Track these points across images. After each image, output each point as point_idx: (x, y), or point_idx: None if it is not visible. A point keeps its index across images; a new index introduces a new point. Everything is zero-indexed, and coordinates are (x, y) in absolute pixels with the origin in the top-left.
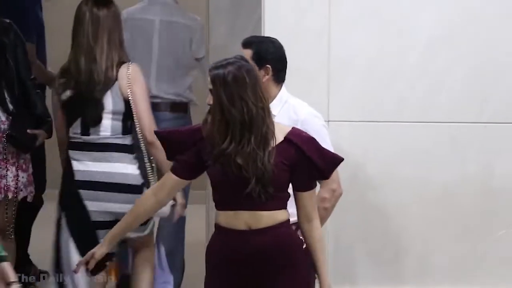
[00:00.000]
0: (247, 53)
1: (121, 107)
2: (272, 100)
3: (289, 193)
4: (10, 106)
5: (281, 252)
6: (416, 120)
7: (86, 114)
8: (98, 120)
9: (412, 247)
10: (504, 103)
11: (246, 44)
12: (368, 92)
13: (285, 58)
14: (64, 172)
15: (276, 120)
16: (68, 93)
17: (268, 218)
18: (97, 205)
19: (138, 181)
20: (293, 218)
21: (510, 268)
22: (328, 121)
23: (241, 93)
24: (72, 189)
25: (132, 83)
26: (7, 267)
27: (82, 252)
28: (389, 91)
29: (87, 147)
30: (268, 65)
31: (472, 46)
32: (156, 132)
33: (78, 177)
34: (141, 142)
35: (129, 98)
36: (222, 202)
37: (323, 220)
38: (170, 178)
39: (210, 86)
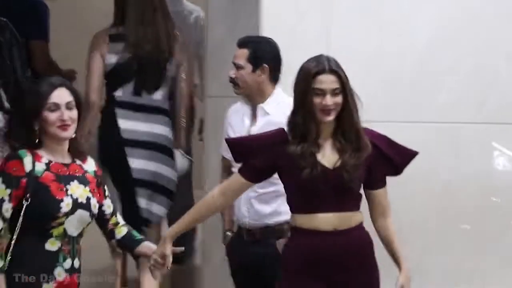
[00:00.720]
0: (243, 53)
1: (174, 73)
2: (267, 99)
3: (360, 194)
4: (7, 105)
5: (362, 252)
6: (413, 120)
7: (147, 78)
8: (158, 86)
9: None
10: (502, 103)
11: (242, 44)
12: (367, 93)
13: (281, 58)
14: (107, 129)
15: (271, 118)
16: (119, 57)
17: (351, 219)
18: (139, 163)
19: (171, 144)
20: (286, 216)
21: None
22: None
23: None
24: (117, 145)
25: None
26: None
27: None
28: (389, 91)
29: (139, 108)
30: (265, 65)
31: (471, 46)
32: (226, 140)
33: (125, 135)
34: None
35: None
36: (306, 205)
37: None
38: (239, 179)
39: (337, 86)
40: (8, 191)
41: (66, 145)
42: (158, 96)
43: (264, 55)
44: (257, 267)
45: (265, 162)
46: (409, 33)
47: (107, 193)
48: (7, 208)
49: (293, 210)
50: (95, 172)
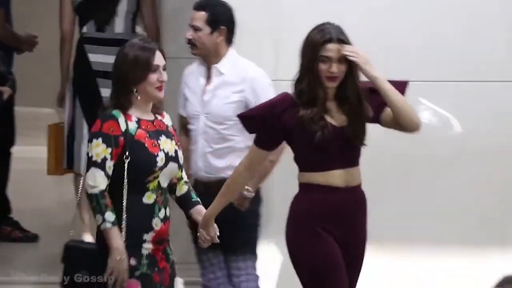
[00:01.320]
0: (201, 16)
1: (133, 7)
2: (222, 59)
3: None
4: None
5: (364, 209)
6: None
7: (104, 14)
8: (109, 21)
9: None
10: None
11: (200, 6)
12: None
13: (235, 21)
14: (79, 62)
15: (225, 78)
16: None
17: (357, 175)
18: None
19: None
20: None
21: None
22: (276, 80)
23: None
24: (89, 77)
25: None
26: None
27: None
28: None
29: (104, 42)
30: (222, 27)
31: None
32: (238, 115)
33: (95, 67)
34: None
35: None
36: (320, 163)
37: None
38: (257, 151)
39: (337, 54)
40: (109, 150)
41: (150, 104)
42: (120, 29)
43: (221, 17)
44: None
45: (277, 130)
46: None
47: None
48: (110, 165)
49: (305, 169)
50: (172, 126)
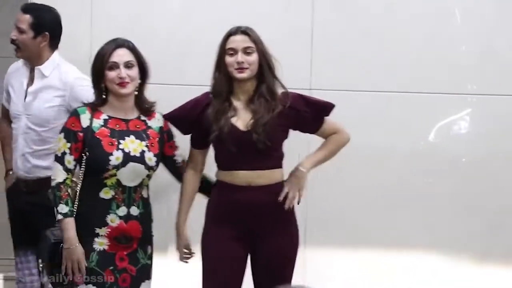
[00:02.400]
0: (26, 18)
1: None
2: (45, 62)
3: (279, 152)
4: None
5: (278, 206)
6: None
7: None
8: None
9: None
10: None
11: (26, 10)
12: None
13: (61, 26)
14: None
15: (48, 81)
16: None
17: (268, 176)
18: None
19: None
20: None
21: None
22: None
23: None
24: None
25: None
26: None
27: None
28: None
29: None
30: (46, 32)
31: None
32: (165, 116)
33: None
34: None
35: None
36: (224, 162)
37: None
38: (194, 151)
39: (248, 44)
40: (68, 144)
41: (128, 101)
42: None
43: (45, 23)
44: (29, 214)
45: (200, 128)
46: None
47: (177, 144)
48: (69, 160)
49: (217, 166)
50: (161, 127)
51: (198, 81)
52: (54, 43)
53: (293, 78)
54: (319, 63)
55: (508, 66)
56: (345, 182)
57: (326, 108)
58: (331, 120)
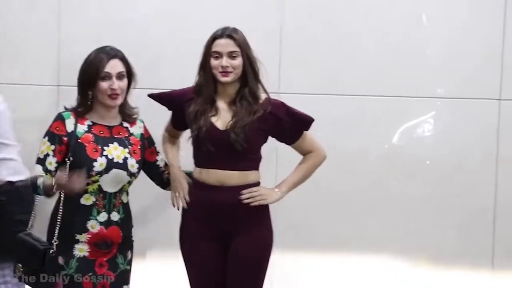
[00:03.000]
0: None
1: None
2: None
3: (256, 154)
4: None
5: (250, 208)
6: None
7: None
8: None
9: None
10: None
11: None
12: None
13: None
14: None
15: None
16: None
17: (243, 177)
18: None
19: None
20: (8, 178)
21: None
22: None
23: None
24: None
25: None
26: None
27: None
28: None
29: None
30: None
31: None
32: (150, 95)
33: None
34: None
35: None
36: (199, 160)
37: None
38: (169, 126)
39: (233, 49)
40: (52, 147)
41: (114, 111)
42: None
43: None
44: None
45: (180, 115)
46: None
47: (157, 149)
48: (51, 161)
49: (194, 163)
50: (141, 134)
51: (170, 85)
52: None
53: (262, 80)
54: (287, 66)
55: (475, 69)
56: (316, 185)
57: (306, 121)
58: (310, 135)
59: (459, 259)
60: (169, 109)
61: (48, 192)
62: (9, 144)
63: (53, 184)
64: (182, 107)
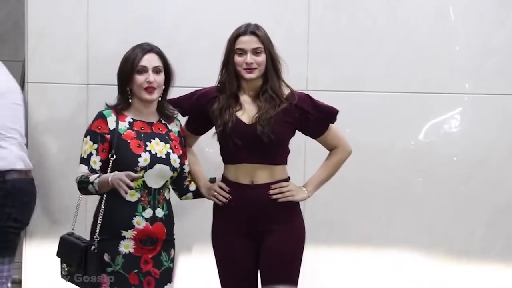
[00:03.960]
0: None
1: None
2: None
3: (283, 148)
4: None
5: (277, 207)
6: None
7: None
8: None
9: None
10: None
11: None
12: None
13: None
14: None
15: None
16: None
17: (271, 172)
18: None
19: None
20: None
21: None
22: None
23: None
24: None
25: None
26: None
27: None
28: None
29: None
30: None
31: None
32: (168, 101)
33: None
34: None
35: None
36: (228, 156)
37: None
38: (187, 134)
39: (257, 45)
40: (95, 146)
41: (152, 106)
42: None
43: None
44: None
45: (200, 118)
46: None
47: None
48: (95, 160)
49: (222, 160)
50: (179, 132)
51: (195, 83)
52: None
53: (289, 78)
54: (315, 63)
55: (504, 65)
56: (342, 181)
57: (331, 113)
58: (336, 128)
59: (486, 256)
60: (185, 115)
61: (102, 189)
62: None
63: (110, 181)
64: (205, 107)
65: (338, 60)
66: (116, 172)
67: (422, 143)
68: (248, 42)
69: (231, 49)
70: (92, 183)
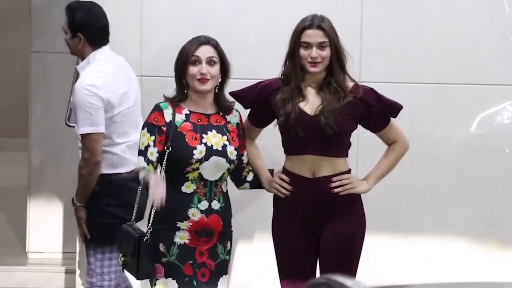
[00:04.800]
0: (66, 19)
1: None
2: (83, 61)
3: (345, 141)
4: None
5: (338, 200)
6: None
7: None
8: None
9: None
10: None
11: (66, 9)
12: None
13: (99, 23)
14: None
15: (81, 79)
16: None
17: (333, 164)
18: None
19: None
20: None
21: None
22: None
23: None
24: None
25: None
26: None
27: None
28: None
29: None
30: (79, 34)
31: None
32: (230, 93)
33: None
34: None
35: None
36: (290, 147)
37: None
38: (248, 125)
39: (322, 40)
40: (153, 137)
41: (208, 98)
42: None
43: (77, 23)
44: None
45: (263, 109)
46: None
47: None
48: (152, 152)
49: (284, 151)
50: (237, 123)
51: (251, 75)
52: (93, 41)
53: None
54: (367, 55)
55: None
56: (397, 173)
57: (395, 108)
58: (396, 124)
59: None
60: (248, 107)
61: (147, 186)
62: (112, 138)
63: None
64: (268, 98)
65: (391, 52)
66: (156, 181)
67: (475, 135)
68: (314, 36)
69: (297, 42)
70: (140, 180)
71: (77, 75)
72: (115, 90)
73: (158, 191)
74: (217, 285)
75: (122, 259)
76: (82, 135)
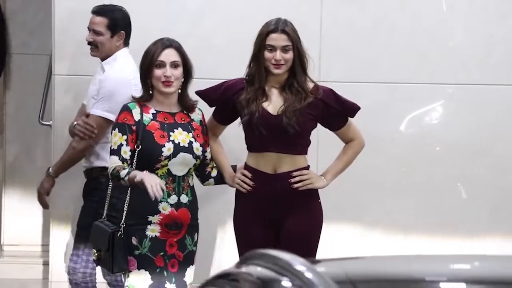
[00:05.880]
0: (101, 21)
1: None
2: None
3: (305, 140)
4: None
5: (298, 195)
6: None
7: None
8: None
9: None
10: None
11: (99, 12)
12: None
13: (131, 24)
14: None
15: (106, 74)
16: None
17: (293, 161)
18: None
19: None
20: None
21: None
22: None
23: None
24: None
25: None
26: None
27: None
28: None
29: None
30: (122, 31)
31: None
32: (196, 92)
33: None
34: None
35: None
36: (251, 145)
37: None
38: (213, 122)
39: (286, 43)
40: (125, 137)
41: (173, 98)
42: None
43: (120, 23)
44: None
45: (227, 107)
46: None
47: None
48: (125, 150)
49: (247, 148)
50: (201, 120)
51: (217, 75)
52: (127, 40)
53: None
54: (326, 55)
55: (507, 57)
56: (352, 169)
57: (353, 109)
58: (354, 123)
59: (493, 239)
60: (212, 105)
61: (131, 183)
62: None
63: (137, 180)
64: (232, 98)
65: (350, 52)
66: (147, 173)
67: (429, 132)
68: (278, 39)
69: (262, 45)
70: (123, 179)
71: (102, 70)
72: (138, 85)
73: (153, 179)
74: (185, 275)
75: (96, 254)
76: (94, 116)
